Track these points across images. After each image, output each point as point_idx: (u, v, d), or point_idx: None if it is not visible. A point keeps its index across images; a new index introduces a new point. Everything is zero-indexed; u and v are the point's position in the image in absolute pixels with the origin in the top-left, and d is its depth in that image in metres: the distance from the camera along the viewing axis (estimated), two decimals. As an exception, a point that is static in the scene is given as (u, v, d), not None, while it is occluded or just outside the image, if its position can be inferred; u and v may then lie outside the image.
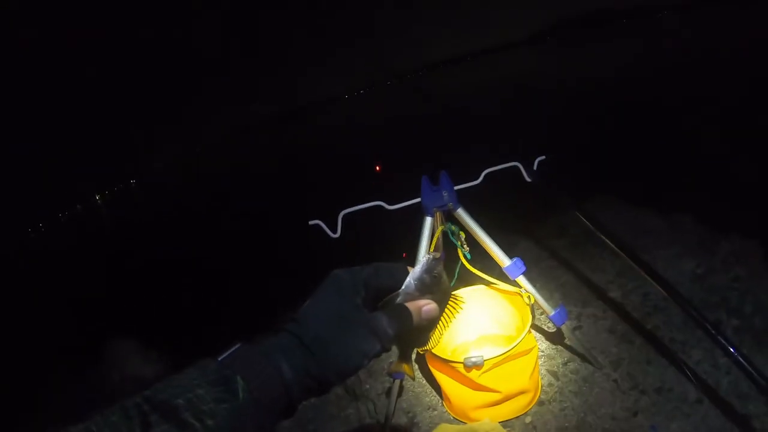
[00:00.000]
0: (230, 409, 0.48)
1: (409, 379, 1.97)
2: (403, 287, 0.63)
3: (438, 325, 0.66)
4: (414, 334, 0.65)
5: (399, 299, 0.62)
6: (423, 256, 0.66)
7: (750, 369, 1.14)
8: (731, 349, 1.19)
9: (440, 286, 0.64)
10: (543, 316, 2.08)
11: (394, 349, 0.65)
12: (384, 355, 0.90)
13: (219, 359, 0.52)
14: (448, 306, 0.67)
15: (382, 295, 0.62)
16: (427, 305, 0.62)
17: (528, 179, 1.64)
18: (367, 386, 2.10)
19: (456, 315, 0.67)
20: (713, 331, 1.21)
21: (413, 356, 0.72)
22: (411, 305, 0.61)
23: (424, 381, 1.98)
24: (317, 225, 1.65)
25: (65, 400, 2.90)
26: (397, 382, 1.74)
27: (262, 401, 0.50)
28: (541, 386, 1.79)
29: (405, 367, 0.70)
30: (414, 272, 0.63)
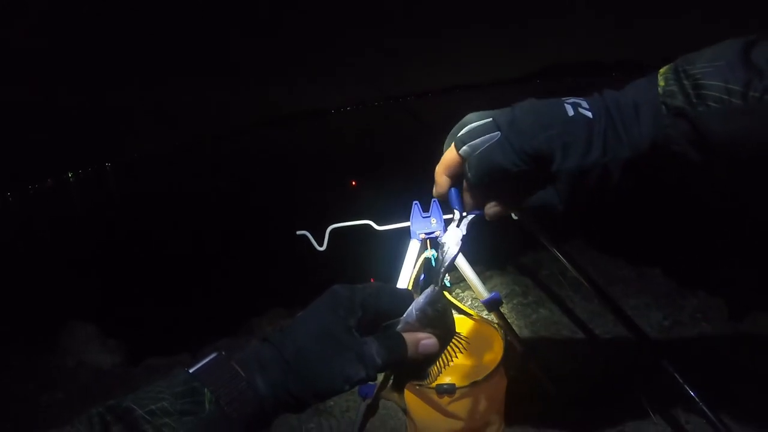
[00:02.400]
0: (195, 422, 0.46)
1: (400, 408, 1.95)
2: (404, 315, 0.59)
3: (438, 362, 0.62)
4: (410, 366, 0.61)
5: (399, 327, 0.58)
6: (428, 285, 0.62)
7: (712, 418, 1.20)
8: (692, 395, 1.24)
9: (443, 321, 0.61)
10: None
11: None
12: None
13: (191, 370, 0.51)
14: (451, 344, 0.63)
15: (381, 320, 0.59)
16: (426, 339, 0.59)
17: (514, 216, 1.70)
18: (331, 402, 2.09)
19: (457, 354, 0.63)
20: (679, 381, 1.26)
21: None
22: (409, 336, 0.58)
23: (390, 403, 1.98)
24: (304, 235, 1.66)
25: (17, 387, 2.79)
26: (365, 402, 1.75)
27: (232, 415, 0.48)
28: (505, 420, 1.81)
29: (396, 396, 0.65)
30: (417, 302, 0.59)
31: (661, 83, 0.56)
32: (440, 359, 0.62)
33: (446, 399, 1.49)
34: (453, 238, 0.66)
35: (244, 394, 0.49)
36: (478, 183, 0.62)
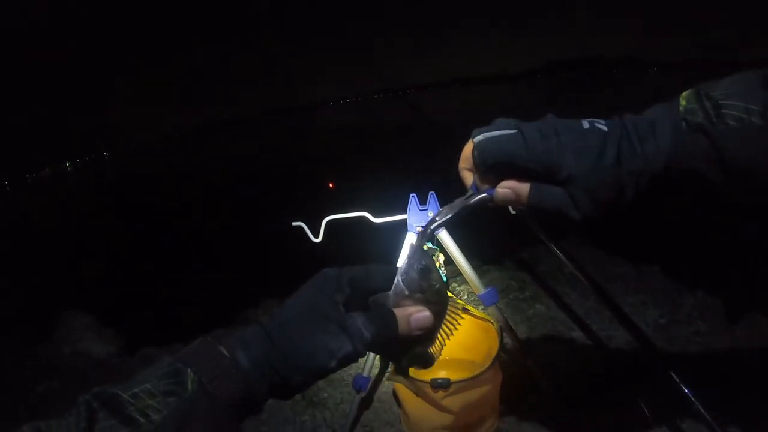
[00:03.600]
0: (178, 402, 0.46)
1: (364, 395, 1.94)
2: (392, 289, 0.57)
3: (438, 339, 0.59)
4: (408, 347, 0.58)
5: (389, 302, 0.57)
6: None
7: (706, 416, 1.20)
8: (688, 394, 1.23)
9: (431, 284, 0.57)
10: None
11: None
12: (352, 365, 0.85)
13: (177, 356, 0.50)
14: (447, 316, 0.59)
15: None
16: (418, 312, 0.56)
17: (512, 211, 1.68)
18: (325, 395, 2.09)
19: (457, 327, 0.59)
20: (674, 379, 1.26)
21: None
22: (399, 311, 0.56)
23: (384, 396, 1.98)
24: (300, 227, 1.65)
25: (12, 377, 2.78)
26: (359, 395, 1.74)
27: (216, 394, 0.47)
28: (500, 415, 1.81)
29: (403, 380, 0.62)
30: (401, 268, 0.57)
31: (683, 103, 0.58)
32: (439, 335, 0.59)
33: (441, 393, 1.49)
34: (455, 204, 0.67)
35: (227, 372, 0.49)
36: (481, 164, 0.64)
